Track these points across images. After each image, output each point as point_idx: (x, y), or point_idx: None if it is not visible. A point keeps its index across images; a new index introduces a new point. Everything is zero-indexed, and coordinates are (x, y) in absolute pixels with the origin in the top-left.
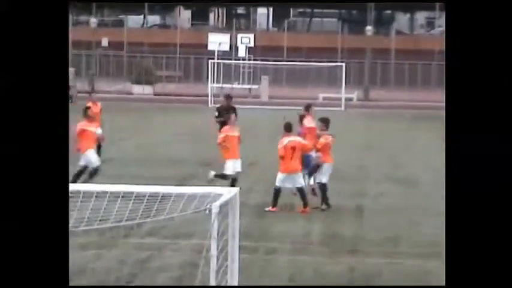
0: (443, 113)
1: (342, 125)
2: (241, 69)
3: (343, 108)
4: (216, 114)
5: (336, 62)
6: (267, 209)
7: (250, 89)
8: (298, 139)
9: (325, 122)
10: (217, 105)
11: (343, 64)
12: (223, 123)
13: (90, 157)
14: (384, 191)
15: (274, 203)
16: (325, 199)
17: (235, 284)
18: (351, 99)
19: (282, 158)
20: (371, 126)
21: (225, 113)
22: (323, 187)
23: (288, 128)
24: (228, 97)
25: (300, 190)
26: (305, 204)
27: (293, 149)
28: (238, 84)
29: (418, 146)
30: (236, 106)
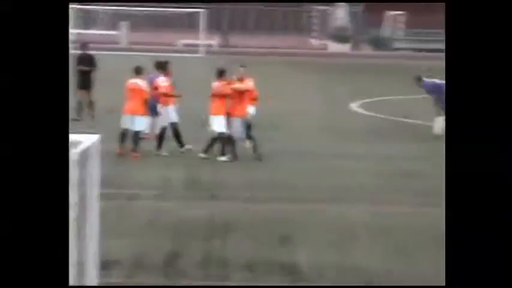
0: (300, 59)
1: (202, 72)
2: (100, 15)
3: (203, 54)
4: (77, 63)
5: (195, 7)
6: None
7: (109, 34)
8: (140, 82)
9: (162, 66)
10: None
11: (202, 10)
12: (84, 73)
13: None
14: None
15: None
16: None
17: (96, 231)
18: (210, 46)
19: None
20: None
21: (85, 62)
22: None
23: (137, 71)
24: (84, 44)
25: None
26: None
27: (132, 90)
28: (97, 30)
29: (280, 92)
30: (95, 52)
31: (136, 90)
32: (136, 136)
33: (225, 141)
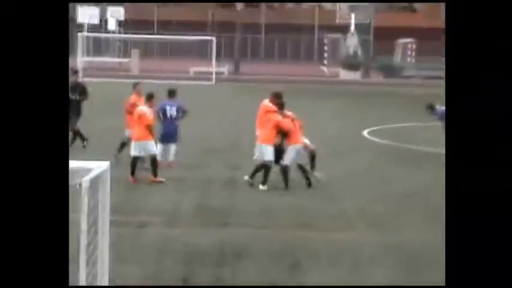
0: (311, 86)
1: (212, 99)
2: (111, 43)
3: (213, 82)
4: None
5: (206, 35)
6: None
7: (120, 62)
8: (144, 108)
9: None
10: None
11: (214, 38)
12: (73, 101)
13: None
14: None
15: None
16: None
17: (106, 258)
18: (221, 73)
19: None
20: (241, 100)
21: (76, 90)
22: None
23: (148, 98)
24: (74, 72)
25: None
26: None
27: (138, 117)
28: (109, 57)
29: None
30: (107, 80)
31: (141, 117)
32: (154, 161)
33: (268, 169)
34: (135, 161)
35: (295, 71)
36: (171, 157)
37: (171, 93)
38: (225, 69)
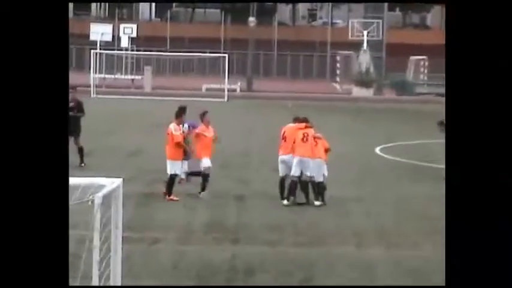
0: (324, 103)
1: (224, 115)
2: (123, 60)
3: (226, 99)
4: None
5: (219, 52)
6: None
7: (133, 79)
8: (171, 126)
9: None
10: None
11: (226, 55)
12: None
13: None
14: (267, 178)
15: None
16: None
17: (118, 274)
18: (234, 90)
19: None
20: (253, 116)
21: (74, 107)
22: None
23: (177, 115)
24: (73, 88)
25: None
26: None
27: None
28: (121, 74)
29: None
30: (119, 97)
31: (168, 135)
32: (171, 180)
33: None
34: (172, 179)
35: (307, 88)
36: (183, 175)
37: (180, 112)
38: (238, 86)
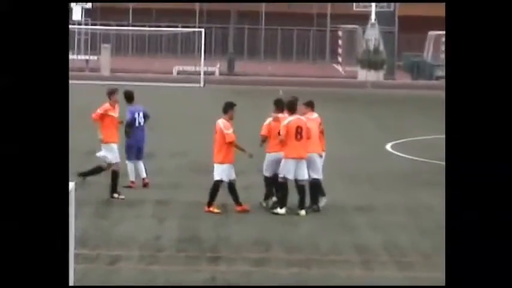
0: (323, 89)
1: (199, 105)
2: (75, 36)
3: (202, 84)
4: None
5: (193, 27)
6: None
7: (87, 60)
8: (220, 122)
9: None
10: None
11: (202, 30)
12: None
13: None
14: (253, 183)
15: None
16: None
17: None
18: (212, 73)
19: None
20: (236, 106)
21: None
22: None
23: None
24: None
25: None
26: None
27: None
28: (73, 54)
29: None
30: (70, 82)
31: (217, 133)
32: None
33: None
34: (217, 186)
35: (302, 70)
36: (144, 173)
37: (129, 97)
38: (216, 68)
